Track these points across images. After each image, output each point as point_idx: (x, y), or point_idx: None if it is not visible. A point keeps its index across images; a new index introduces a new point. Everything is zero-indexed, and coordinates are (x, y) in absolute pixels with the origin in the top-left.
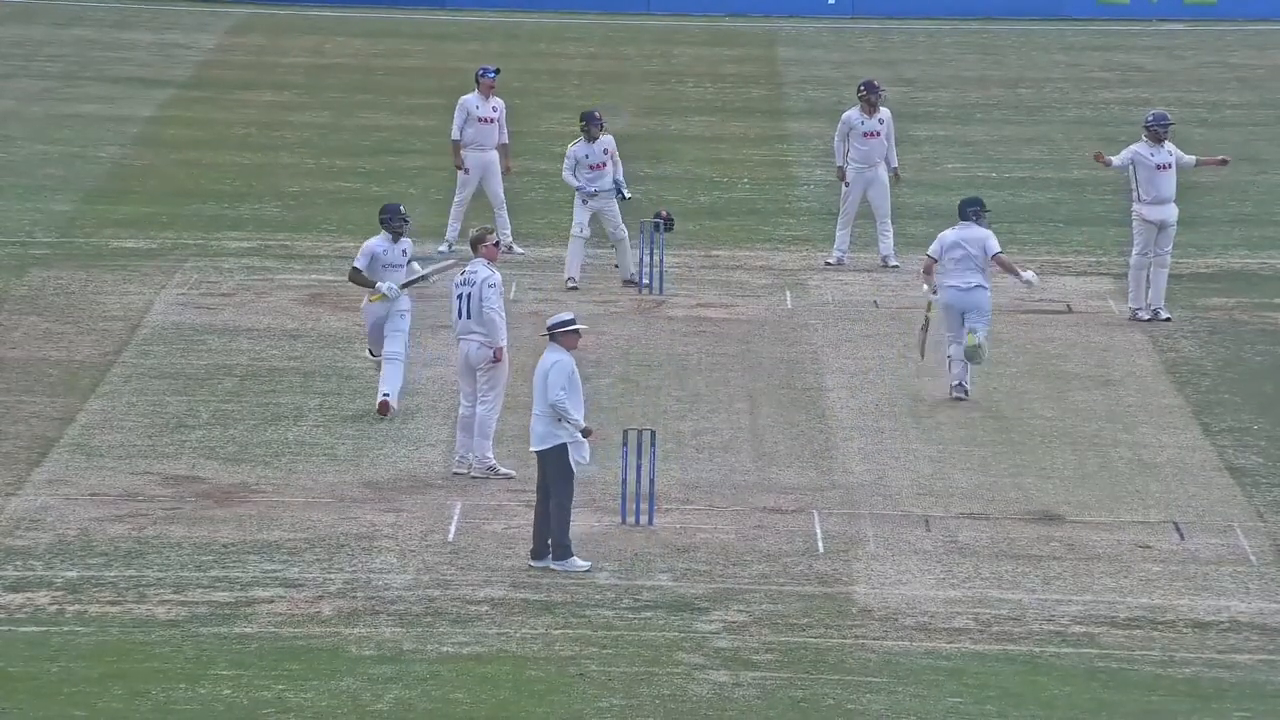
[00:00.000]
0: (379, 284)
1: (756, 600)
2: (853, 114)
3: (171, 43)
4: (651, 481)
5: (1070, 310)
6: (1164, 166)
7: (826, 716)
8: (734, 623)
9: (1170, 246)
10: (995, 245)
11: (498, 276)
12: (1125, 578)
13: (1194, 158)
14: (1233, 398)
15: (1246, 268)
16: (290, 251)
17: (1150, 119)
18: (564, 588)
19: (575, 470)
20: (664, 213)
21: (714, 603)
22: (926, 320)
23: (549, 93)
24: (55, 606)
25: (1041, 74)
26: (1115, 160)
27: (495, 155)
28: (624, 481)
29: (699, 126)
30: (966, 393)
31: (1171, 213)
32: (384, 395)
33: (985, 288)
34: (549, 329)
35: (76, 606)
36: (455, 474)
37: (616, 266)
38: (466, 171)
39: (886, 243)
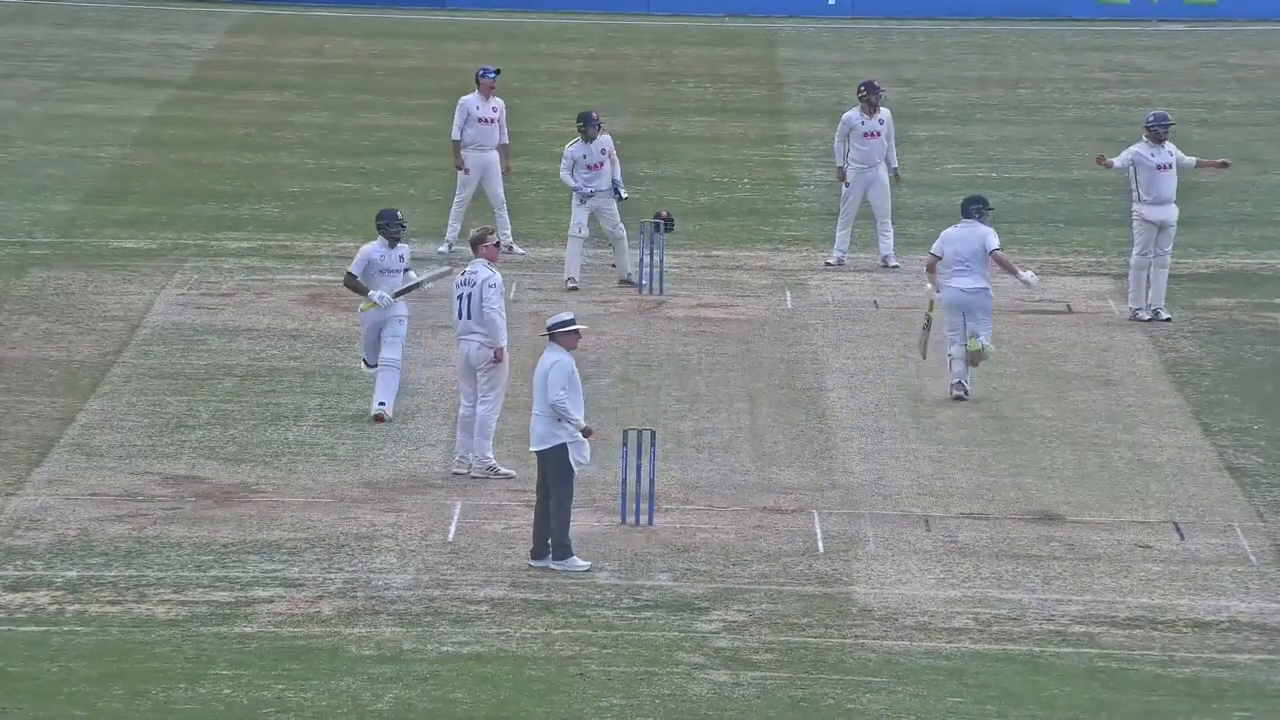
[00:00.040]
0: (371, 292)
1: (756, 600)
2: (853, 114)
3: (171, 43)
4: (651, 481)
5: (1070, 310)
6: (1164, 167)
7: (826, 716)
8: (734, 622)
9: (1170, 247)
10: (995, 242)
11: (498, 277)
12: (1125, 577)
13: (1194, 159)
14: (1233, 398)
15: (1246, 268)
16: (290, 252)
17: (1151, 119)
18: (564, 587)
19: (575, 470)
20: (664, 213)
21: (714, 602)
22: (928, 319)
23: (549, 93)
24: (55, 606)
25: (1041, 74)
26: (1116, 161)
27: (495, 155)
28: (624, 481)
29: (699, 127)
30: (966, 392)
31: (1172, 213)
32: (380, 405)
33: (987, 289)
34: (549, 329)
35: (76, 606)
36: (455, 474)
37: (614, 266)
38: (466, 172)
39: (887, 243)
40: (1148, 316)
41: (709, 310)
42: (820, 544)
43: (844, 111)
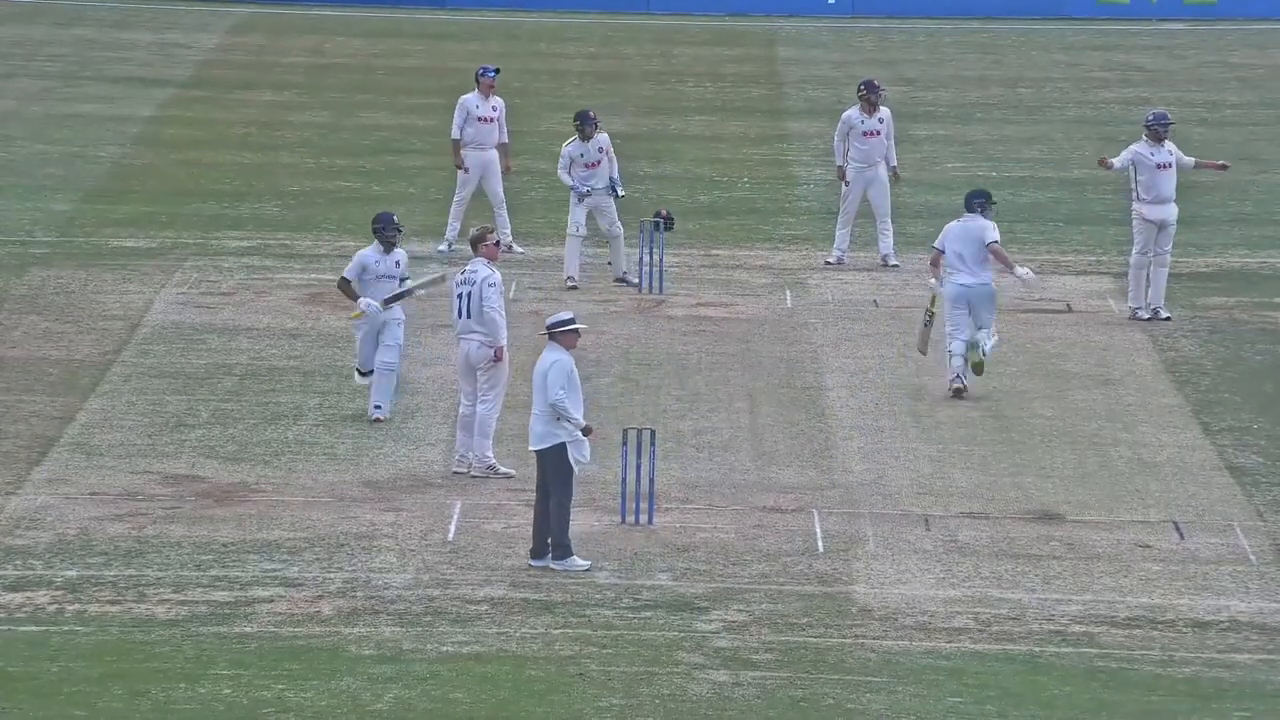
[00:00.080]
0: (360, 300)
1: (756, 600)
2: (853, 113)
3: (171, 42)
4: (651, 481)
5: (1070, 309)
6: (1164, 166)
7: (826, 716)
8: (734, 622)
9: (1170, 246)
10: (992, 235)
11: (498, 276)
12: (1125, 577)
13: (1193, 159)
14: (1232, 397)
15: (1246, 267)
16: (290, 251)
17: (1151, 118)
18: (564, 587)
19: (575, 469)
20: (664, 212)
21: (714, 602)
22: (930, 315)
23: (549, 92)
24: (55, 606)
25: (1041, 73)
26: (1116, 162)
27: (495, 155)
28: (624, 481)
29: (699, 126)
30: (965, 387)
31: (1171, 212)
32: (376, 409)
33: (989, 283)
34: (548, 328)
35: (76, 606)
36: (455, 473)
37: (610, 264)
38: (466, 171)
39: (886, 242)
40: (1147, 315)
41: (709, 309)
42: (820, 543)
43: (844, 111)
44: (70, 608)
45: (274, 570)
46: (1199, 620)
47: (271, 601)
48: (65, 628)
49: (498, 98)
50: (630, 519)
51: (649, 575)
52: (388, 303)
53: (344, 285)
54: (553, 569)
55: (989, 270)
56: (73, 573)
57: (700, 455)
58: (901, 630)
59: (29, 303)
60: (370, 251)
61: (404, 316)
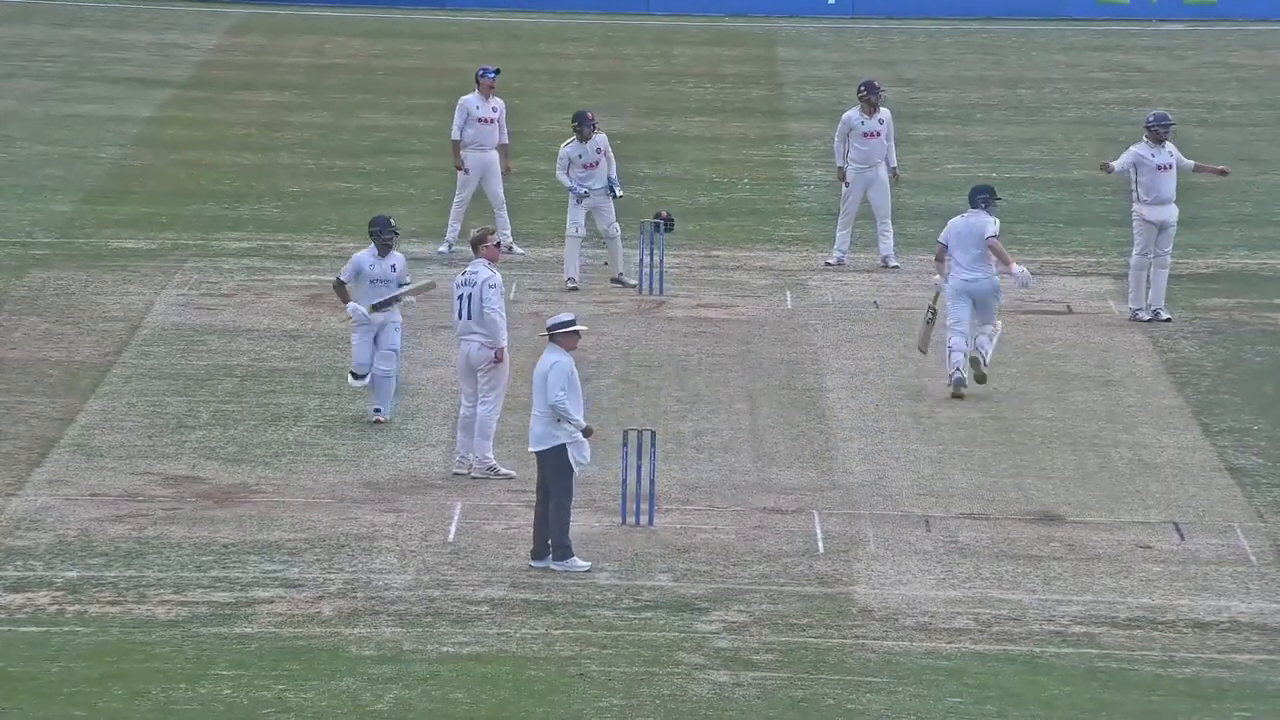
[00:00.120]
0: (348, 305)
1: (757, 600)
2: (853, 114)
3: (171, 43)
4: (652, 482)
5: (1070, 311)
6: (1164, 167)
7: (826, 716)
8: (734, 623)
9: (1170, 247)
10: (991, 230)
11: (498, 277)
12: (1125, 578)
13: (1193, 162)
14: (1233, 398)
15: (1246, 268)
16: (290, 252)
17: (1151, 119)
18: (564, 588)
19: (575, 470)
20: (664, 213)
21: (714, 603)
22: (932, 313)
23: (549, 93)
24: (55, 607)
25: (1041, 74)
26: (1116, 165)
27: (495, 155)
28: (624, 482)
29: (699, 127)
30: (965, 380)
31: (1172, 213)
32: (376, 412)
33: (993, 277)
34: (549, 329)
35: (77, 607)
36: (455, 474)
37: (605, 264)
38: (466, 171)
39: (887, 243)
40: (1148, 317)
41: (709, 310)
42: (820, 544)
43: (844, 111)
44: (71, 608)
45: (274, 571)
46: (1199, 621)
47: (272, 602)
48: (66, 628)
49: (498, 98)
50: (631, 520)
51: (649, 576)
52: (376, 308)
53: (338, 287)
54: (553, 570)
55: (991, 265)
56: (73, 573)
57: (701, 456)
58: (902, 631)
59: (29, 304)
60: (366, 254)
61: (400, 321)
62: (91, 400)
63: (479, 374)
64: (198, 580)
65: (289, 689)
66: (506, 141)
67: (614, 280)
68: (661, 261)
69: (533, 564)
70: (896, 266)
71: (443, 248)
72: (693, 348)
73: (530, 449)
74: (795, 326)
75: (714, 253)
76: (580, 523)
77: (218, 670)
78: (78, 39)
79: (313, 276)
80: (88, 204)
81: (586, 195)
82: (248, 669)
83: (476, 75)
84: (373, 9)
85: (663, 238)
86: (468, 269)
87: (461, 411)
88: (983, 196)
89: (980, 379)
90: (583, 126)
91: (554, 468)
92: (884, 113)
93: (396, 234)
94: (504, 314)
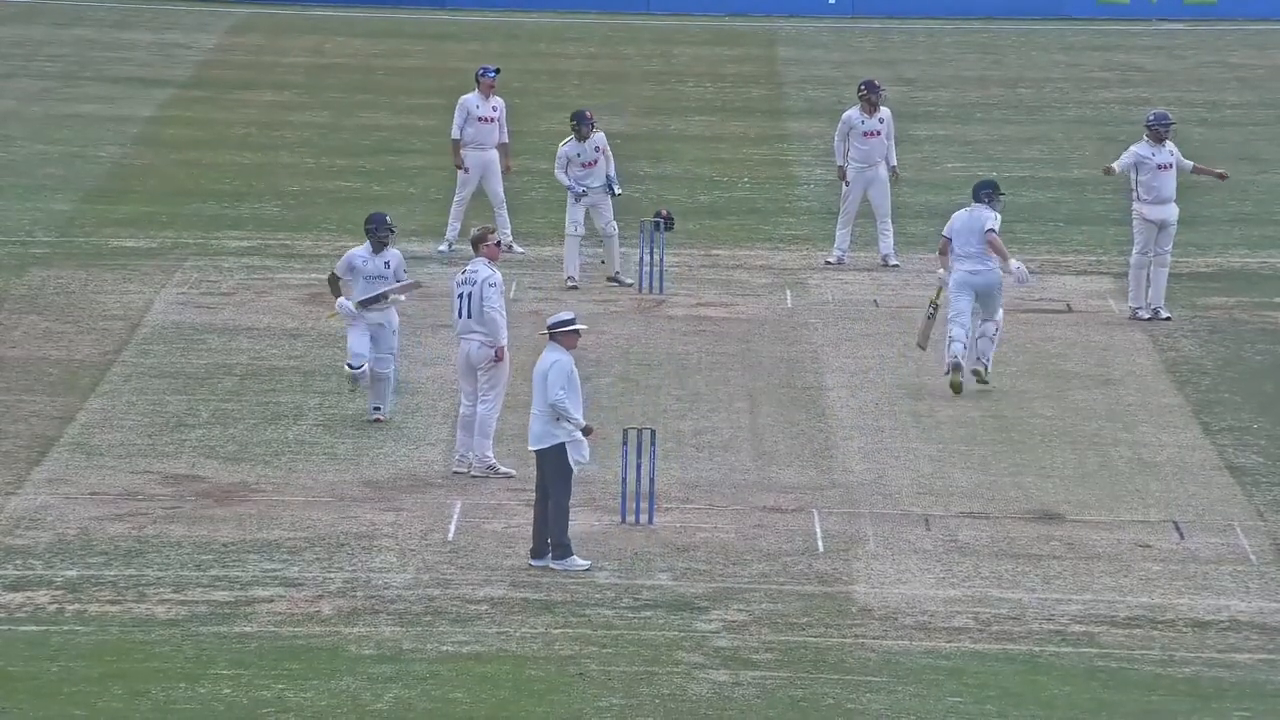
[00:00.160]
0: (337, 301)
1: (756, 599)
2: (853, 113)
3: (171, 42)
4: (651, 481)
5: (1070, 309)
6: (1165, 166)
7: (826, 716)
8: (734, 622)
9: (1170, 246)
10: (990, 224)
11: (498, 276)
12: (1125, 577)
13: (1191, 163)
14: (1233, 397)
15: (1246, 267)
16: (290, 251)
17: (1151, 119)
18: (564, 587)
19: (574, 469)
20: (664, 212)
21: (714, 602)
22: (934, 308)
23: (549, 92)
24: (55, 606)
25: (1041, 74)
26: (1116, 166)
27: (495, 155)
28: (624, 481)
29: (699, 126)
30: (961, 369)
31: (1172, 212)
32: (375, 410)
33: (995, 269)
34: (549, 328)
35: (76, 606)
36: (455, 473)
37: (603, 263)
38: (466, 171)
39: (887, 242)
40: (1148, 315)
41: (709, 309)
42: (820, 543)
43: (844, 111)
44: (70, 607)
45: (274, 570)
46: (1199, 620)
47: (271, 601)
48: (65, 627)
49: (498, 98)
50: (630, 519)
51: (649, 575)
52: (363, 305)
53: (332, 281)
54: (553, 569)
55: (993, 259)
56: (73, 572)
57: (700, 455)
58: (901, 630)
59: (29, 303)
60: (360, 251)
61: (398, 323)
62: (91, 399)
63: (479, 373)
64: (197, 579)
65: (289, 688)
66: (506, 141)
67: (610, 279)
68: (661, 260)
69: (532, 563)
70: (896, 265)
71: (443, 247)
72: (692, 346)
73: (529, 447)
74: (795, 325)
75: (714, 251)
76: (580, 521)
77: (217, 669)
78: (78, 39)
79: (313, 275)
80: (88, 203)
81: (585, 194)
82: (247, 668)
83: (477, 75)
84: (373, 9)
85: (663, 236)
86: (468, 268)
87: (461, 410)
88: (986, 191)
89: (982, 383)
90: (581, 125)
91: (553, 466)
92: (884, 112)
93: (393, 232)
94: (504, 313)
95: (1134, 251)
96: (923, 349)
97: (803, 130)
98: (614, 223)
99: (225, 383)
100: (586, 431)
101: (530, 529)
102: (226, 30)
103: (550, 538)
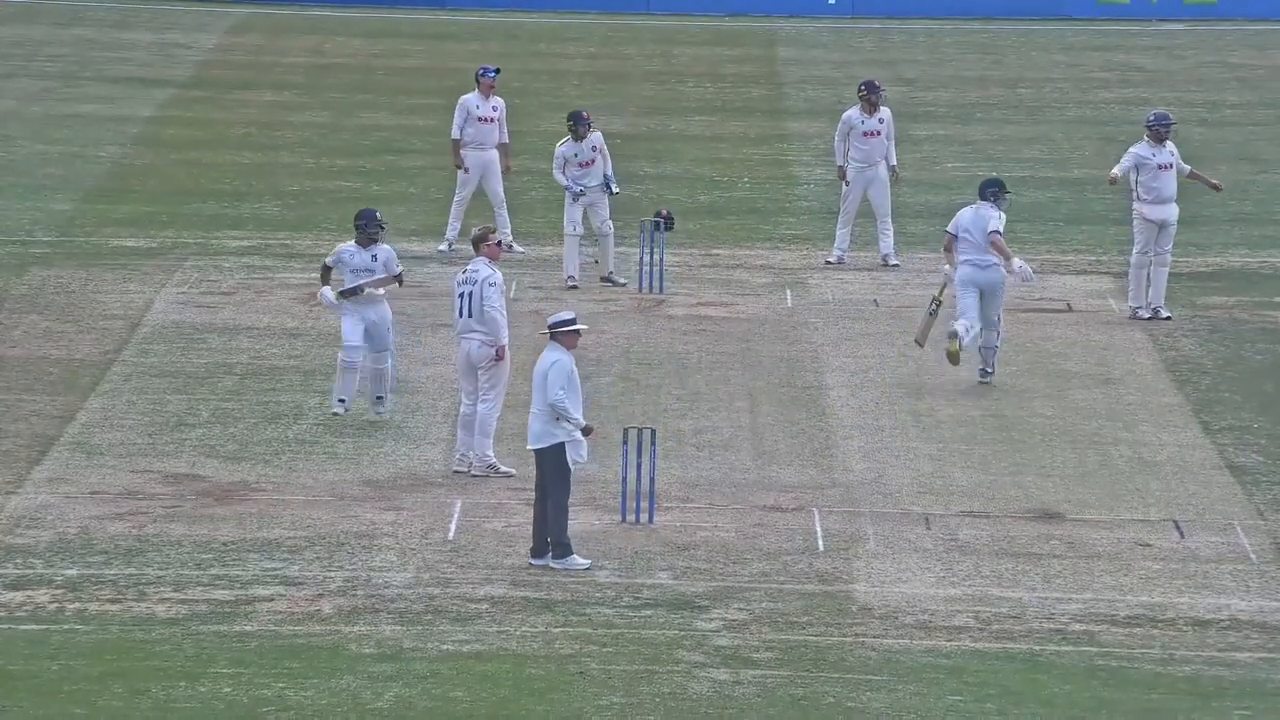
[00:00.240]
0: (321, 290)
1: (757, 598)
2: (853, 113)
3: (171, 42)
4: (652, 480)
5: (1070, 309)
6: (1165, 166)
7: (826, 714)
8: (734, 621)
9: (1170, 245)
10: (994, 225)
11: (499, 275)
12: (1125, 576)
13: (1188, 168)
14: (1233, 396)
15: (1246, 266)
16: (290, 250)
17: (1152, 119)
18: (564, 586)
19: (573, 469)
20: (664, 212)
21: (714, 601)
22: (936, 305)
23: (549, 92)
24: (55, 605)
25: (1041, 74)
26: (1117, 170)
27: (495, 154)
28: (624, 480)
29: (699, 126)
30: (960, 339)
31: (1172, 212)
32: (378, 399)
33: (1000, 267)
34: (550, 328)
35: (76, 604)
36: (455, 472)
37: (596, 262)
38: (466, 171)
39: (887, 241)
40: (1148, 315)
41: (709, 309)
42: (820, 542)
43: (844, 111)
44: (70, 606)
45: (274, 569)
46: (1199, 619)
47: (272, 600)
48: (65, 626)
49: (498, 98)
50: (631, 518)
51: (649, 574)
52: (342, 295)
53: (323, 271)
54: (553, 568)
55: (996, 258)
56: (73, 571)
57: (700, 454)
58: (902, 629)
59: (29, 302)
60: (348, 245)
61: (390, 317)
62: (91, 398)
63: (479, 372)
64: (197, 578)
65: (289, 687)
66: (506, 141)
67: (604, 279)
68: (661, 260)
69: (532, 562)
70: (896, 265)
71: (443, 246)
72: (693, 346)
73: (528, 447)
74: (795, 325)
75: (714, 251)
76: (580, 521)
77: (218, 668)
78: (78, 39)
79: (313, 275)
80: (88, 203)
81: (583, 193)
82: (248, 667)
83: (477, 74)
84: (373, 9)
85: (663, 236)
86: (468, 267)
87: (462, 409)
88: (991, 190)
89: (953, 358)
90: (578, 125)
91: (552, 466)
92: (884, 112)
93: (383, 228)
94: (504, 312)
95: (1134, 251)
96: (921, 346)
97: (803, 130)
98: (610, 222)
99: (225, 382)
100: (586, 431)
101: (530, 528)
102: (226, 30)
103: (550, 537)
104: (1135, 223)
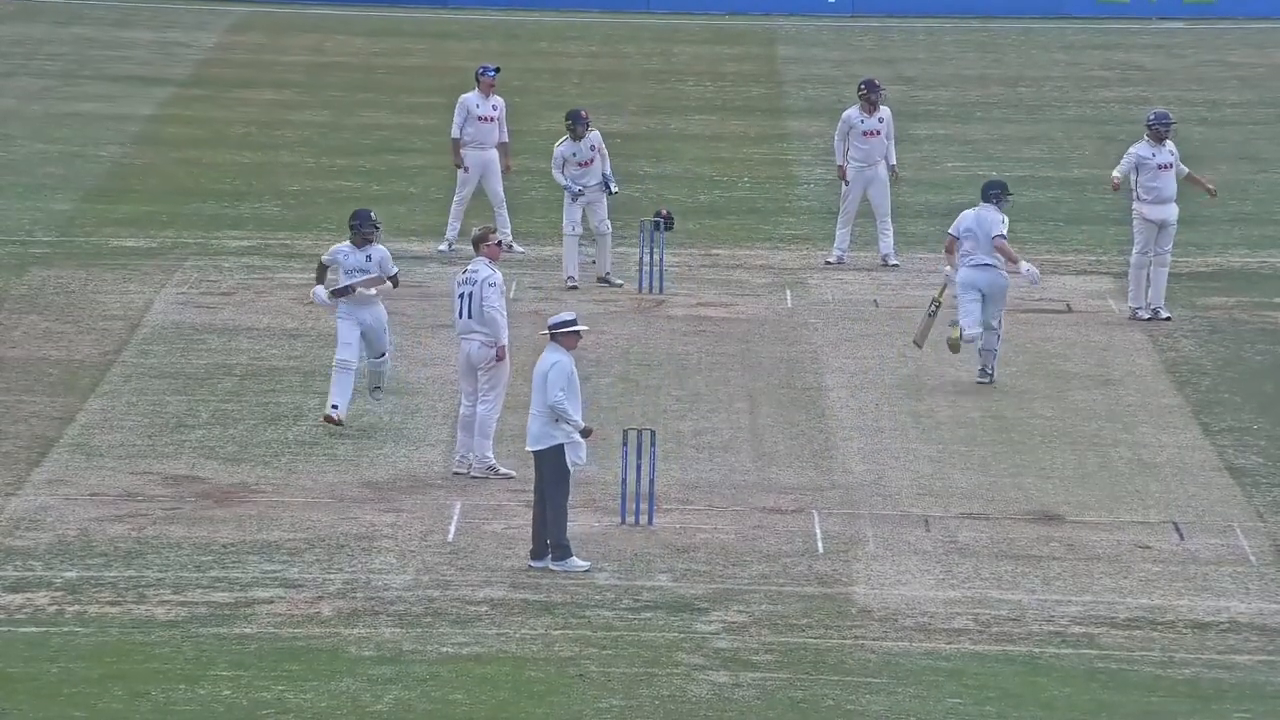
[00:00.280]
0: (314, 289)
1: (756, 601)
2: (853, 113)
3: (171, 41)
4: (651, 481)
5: (1070, 309)
6: (1165, 166)
7: (826, 717)
8: (734, 623)
9: (1170, 246)
10: (998, 229)
11: (498, 276)
12: (1125, 578)
13: (1186, 170)
14: (1232, 397)
15: (1246, 267)
16: (290, 250)
17: (1152, 118)
18: (563, 588)
19: (572, 471)
20: (664, 211)
21: (714, 603)
22: (936, 306)
23: (549, 91)
24: (55, 607)
25: (1041, 72)
26: (1117, 173)
27: (495, 154)
28: (624, 481)
29: (699, 125)
30: (962, 330)
31: (1172, 212)
32: (376, 389)
33: (1002, 270)
34: (550, 328)
35: (76, 607)
36: (455, 474)
37: (593, 262)
38: (466, 170)
39: (886, 241)
40: (1147, 316)
41: (709, 309)
42: (820, 544)
43: (844, 110)
44: (70, 609)
45: (274, 571)
46: (1199, 621)
47: (271, 602)
48: (65, 629)
49: (498, 97)
50: (630, 520)
51: (649, 576)
52: (334, 294)
53: (319, 270)
54: (552, 570)
55: (999, 260)
56: (73, 574)
57: (700, 456)
58: (901, 631)
59: (29, 303)
60: (343, 245)
61: (385, 318)
62: (91, 399)
63: (479, 373)
64: (197, 580)
65: (289, 689)
66: (506, 140)
67: (600, 279)
68: (661, 260)
69: (532, 564)
70: (896, 265)
71: (443, 246)
72: (692, 347)
73: (527, 448)
74: (795, 325)
75: (714, 251)
76: (580, 523)
77: (217, 671)
78: (78, 37)
79: (313, 275)
80: (88, 202)
81: (582, 193)
82: (247, 669)
83: (477, 74)
84: (373, 7)
85: (662, 236)
86: (468, 268)
87: (461, 411)
88: (994, 192)
89: (954, 345)
90: (576, 125)
91: (551, 467)
92: (884, 111)
93: (377, 229)
94: (504, 312)
95: (1134, 251)
96: (920, 347)
97: (803, 129)
98: (607, 221)
99: (225, 383)
100: (586, 433)
101: (530, 530)
102: (226, 29)
103: (549, 539)
104: (1135, 223)
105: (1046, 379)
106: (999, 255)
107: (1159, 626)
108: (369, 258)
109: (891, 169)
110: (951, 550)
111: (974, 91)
